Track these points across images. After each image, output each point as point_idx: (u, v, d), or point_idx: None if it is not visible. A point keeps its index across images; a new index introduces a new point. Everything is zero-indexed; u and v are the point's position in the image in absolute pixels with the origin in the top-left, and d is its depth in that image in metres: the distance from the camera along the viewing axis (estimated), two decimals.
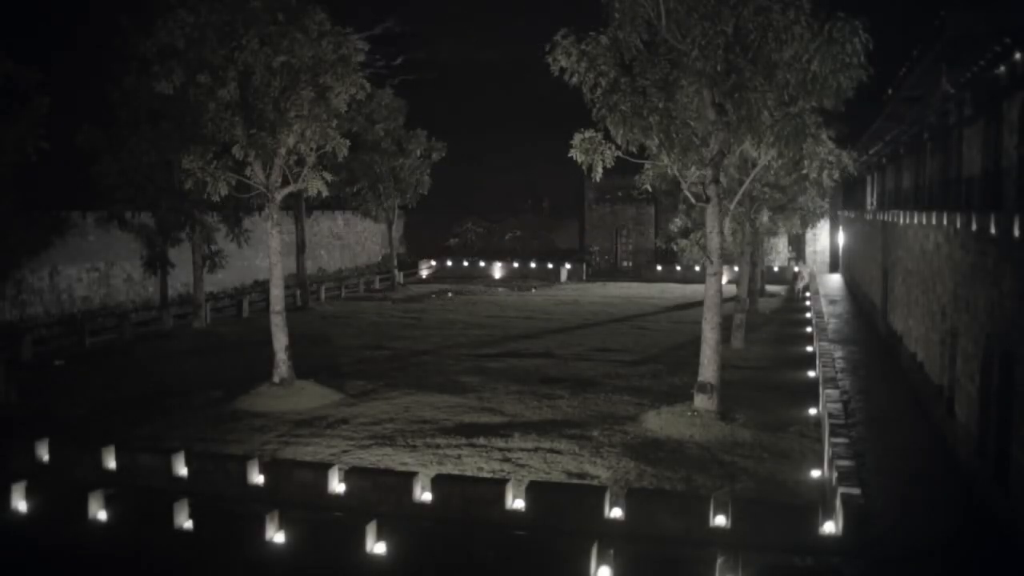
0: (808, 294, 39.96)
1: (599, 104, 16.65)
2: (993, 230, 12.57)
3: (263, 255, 42.03)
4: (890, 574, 10.88)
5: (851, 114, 27.43)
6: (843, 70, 15.14)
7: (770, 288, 43.88)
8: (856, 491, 11.50)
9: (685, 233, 33.06)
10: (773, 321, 33.42)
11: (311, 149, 19.93)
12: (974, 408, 13.91)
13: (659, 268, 52.84)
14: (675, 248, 32.47)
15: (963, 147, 17.43)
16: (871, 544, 11.26)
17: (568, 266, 53.86)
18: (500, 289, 47.27)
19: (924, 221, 19.55)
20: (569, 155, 17.74)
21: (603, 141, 17.47)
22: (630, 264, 57.46)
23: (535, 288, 47.41)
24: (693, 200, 18.43)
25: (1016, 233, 11.24)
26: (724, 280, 20.32)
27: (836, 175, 19.22)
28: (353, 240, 57.45)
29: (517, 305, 39.29)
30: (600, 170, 17.67)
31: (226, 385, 20.91)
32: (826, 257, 55.13)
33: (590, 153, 17.51)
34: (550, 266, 54.38)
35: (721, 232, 17.80)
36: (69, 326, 29.98)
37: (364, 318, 34.67)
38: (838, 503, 11.41)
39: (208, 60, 18.53)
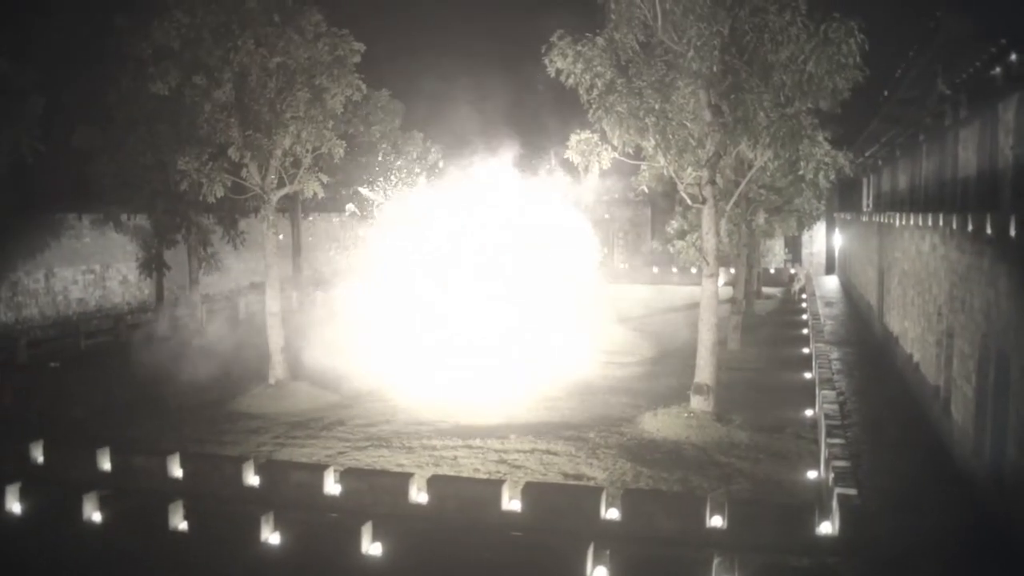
0: (804, 296, 39.98)
1: (595, 105, 16.65)
2: (989, 231, 12.59)
3: (259, 257, 41.99)
4: (886, 574, 10.87)
5: (847, 115, 27.50)
6: (839, 71, 15.14)
7: (766, 290, 43.91)
8: (852, 491, 11.50)
9: (681, 235, 33.07)
10: (769, 323, 33.42)
11: (307, 150, 19.91)
12: (970, 408, 13.92)
13: (655, 270, 52.82)
14: (671, 250, 32.52)
15: (959, 148, 17.47)
16: (867, 544, 11.25)
17: None
18: None
19: (920, 222, 19.57)
20: (565, 156, 17.75)
21: (599, 142, 17.47)
22: (626, 266, 57.44)
23: None
24: (689, 201, 18.42)
25: (1012, 233, 11.26)
26: (720, 282, 20.34)
27: (832, 176, 19.21)
28: (350, 241, 57.33)
29: None
30: (596, 171, 17.68)
31: (221, 386, 20.87)
32: (822, 259, 55.20)
33: (586, 154, 17.52)
34: None
35: (717, 234, 17.80)
36: (64, 328, 29.91)
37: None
38: (834, 503, 11.41)
39: (204, 61, 18.52)
